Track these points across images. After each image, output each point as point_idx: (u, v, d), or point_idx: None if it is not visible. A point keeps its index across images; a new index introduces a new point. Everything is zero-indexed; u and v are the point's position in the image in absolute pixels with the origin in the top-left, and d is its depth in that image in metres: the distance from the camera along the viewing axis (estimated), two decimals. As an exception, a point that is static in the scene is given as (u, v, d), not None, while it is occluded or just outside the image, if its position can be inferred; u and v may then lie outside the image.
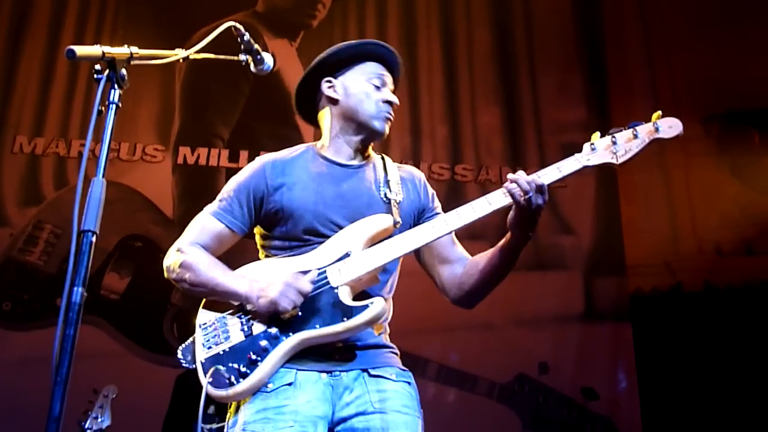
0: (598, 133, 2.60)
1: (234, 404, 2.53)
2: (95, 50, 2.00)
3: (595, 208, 7.21)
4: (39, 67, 7.15)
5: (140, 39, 7.12)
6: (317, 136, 2.92)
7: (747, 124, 7.52)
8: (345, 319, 2.44)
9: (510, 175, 2.54)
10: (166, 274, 2.67)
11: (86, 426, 4.45)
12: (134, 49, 2.07)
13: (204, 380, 2.44)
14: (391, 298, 2.77)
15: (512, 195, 2.51)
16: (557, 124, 7.65)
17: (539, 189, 2.49)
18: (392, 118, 2.78)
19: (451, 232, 2.70)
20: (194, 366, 2.52)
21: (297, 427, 2.40)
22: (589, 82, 7.84)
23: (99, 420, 4.50)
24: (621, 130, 2.57)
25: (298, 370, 2.49)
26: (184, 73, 7.20)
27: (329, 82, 2.80)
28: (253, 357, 2.44)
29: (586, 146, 2.58)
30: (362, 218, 2.65)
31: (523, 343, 6.77)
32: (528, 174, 2.54)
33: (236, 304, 2.57)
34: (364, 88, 2.75)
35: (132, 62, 2.07)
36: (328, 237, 2.62)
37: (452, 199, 7.07)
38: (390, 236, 2.64)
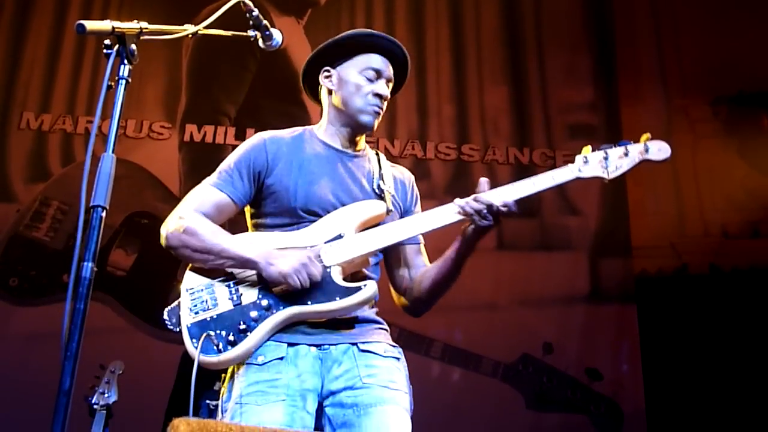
0: (589, 147, 2.68)
1: (228, 377, 2.56)
2: (105, 25, 1.99)
3: (602, 189, 7.17)
4: (46, 43, 7.14)
5: (147, 14, 7.10)
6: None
7: (756, 106, 7.49)
8: (338, 298, 2.49)
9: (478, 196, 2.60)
10: (163, 242, 2.64)
11: (93, 401, 4.46)
12: (144, 25, 2.07)
13: (189, 344, 2.48)
14: (377, 280, 2.79)
15: (464, 212, 2.58)
16: (564, 105, 7.63)
17: (489, 210, 2.56)
18: (381, 112, 2.82)
19: (420, 241, 2.86)
20: (179, 329, 2.54)
21: (288, 401, 2.43)
22: (597, 62, 7.80)
23: (106, 395, 4.51)
24: (612, 147, 2.66)
25: (288, 344, 2.52)
26: (191, 50, 7.18)
27: (327, 71, 2.85)
28: (242, 326, 2.47)
29: (579, 158, 2.67)
30: (354, 201, 2.71)
31: (527, 323, 6.78)
32: (524, 179, 2.66)
33: (224, 273, 2.59)
34: (356, 81, 2.78)
35: (141, 37, 2.07)
36: (319, 217, 2.66)
37: (459, 179, 7.07)
38: (381, 223, 2.70)
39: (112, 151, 1.95)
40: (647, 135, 2.66)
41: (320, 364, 2.53)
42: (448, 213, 2.61)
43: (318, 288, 2.50)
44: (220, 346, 2.45)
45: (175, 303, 2.60)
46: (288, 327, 2.53)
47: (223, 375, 2.60)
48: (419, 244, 2.87)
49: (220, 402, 2.57)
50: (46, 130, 6.83)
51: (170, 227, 2.62)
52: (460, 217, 2.59)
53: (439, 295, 2.80)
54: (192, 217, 2.61)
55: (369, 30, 2.89)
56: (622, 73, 7.75)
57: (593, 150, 2.67)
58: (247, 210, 2.81)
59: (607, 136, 7.20)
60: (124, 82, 2.02)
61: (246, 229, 2.82)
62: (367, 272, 2.72)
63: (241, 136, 6.83)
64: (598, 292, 7.01)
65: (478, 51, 7.72)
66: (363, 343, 2.60)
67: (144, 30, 2.07)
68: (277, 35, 2.56)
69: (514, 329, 6.72)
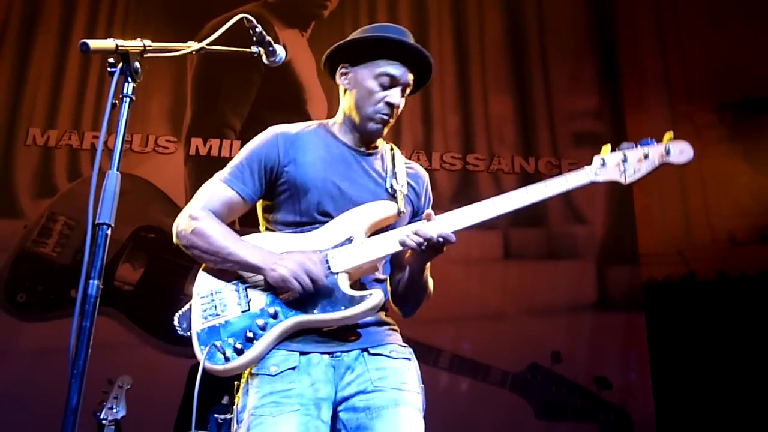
0: (608, 146, 2.56)
1: (241, 388, 2.55)
2: (109, 43, 2.00)
3: (608, 196, 7.18)
4: (51, 59, 7.18)
5: (151, 30, 7.19)
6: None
7: (760, 112, 7.48)
8: (343, 308, 2.48)
9: (420, 227, 2.52)
10: (175, 240, 2.65)
11: (101, 416, 4.47)
12: (147, 42, 2.07)
13: (198, 350, 2.49)
14: (387, 280, 2.80)
15: (403, 244, 2.52)
16: (569, 113, 7.64)
17: (428, 242, 2.49)
18: (391, 121, 2.76)
19: None
20: (189, 334, 2.54)
21: (303, 411, 2.43)
22: (602, 70, 7.81)
23: (114, 410, 4.52)
24: (632, 147, 2.53)
25: (300, 353, 2.51)
26: (195, 64, 7.21)
27: (345, 69, 2.79)
28: (250, 334, 2.47)
29: (596, 160, 2.55)
30: (366, 201, 2.67)
31: (535, 332, 6.77)
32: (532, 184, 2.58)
33: (236, 276, 2.59)
34: (370, 86, 2.71)
35: (145, 55, 2.07)
36: (331, 217, 2.64)
37: (464, 188, 7.07)
38: (393, 225, 2.67)
39: (117, 169, 1.96)
40: (670, 134, 2.52)
41: (333, 371, 2.53)
42: (392, 242, 2.56)
43: (324, 296, 2.49)
44: (227, 354, 2.45)
45: (186, 307, 2.60)
46: (299, 335, 2.52)
47: (236, 383, 2.60)
48: None
49: (234, 413, 2.57)
50: (53, 146, 6.86)
51: (181, 226, 2.63)
52: (400, 247, 2.55)
53: (415, 303, 2.78)
54: (201, 217, 2.61)
55: (390, 33, 2.77)
56: (627, 80, 7.76)
57: (612, 150, 2.55)
58: (259, 205, 2.78)
59: (612, 143, 7.17)
60: (128, 99, 2.02)
61: (257, 221, 2.82)
62: (379, 273, 2.70)
63: (247, 147, 6.84)
64: (606, 300, 7.01)
65: (482, 61, 7.74)
66: (373, 347, 2.59)
67: (147, 48, 2.07)
68: (280, 51, 2.56)
69: (522, 339, 6.71)
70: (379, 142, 2.86)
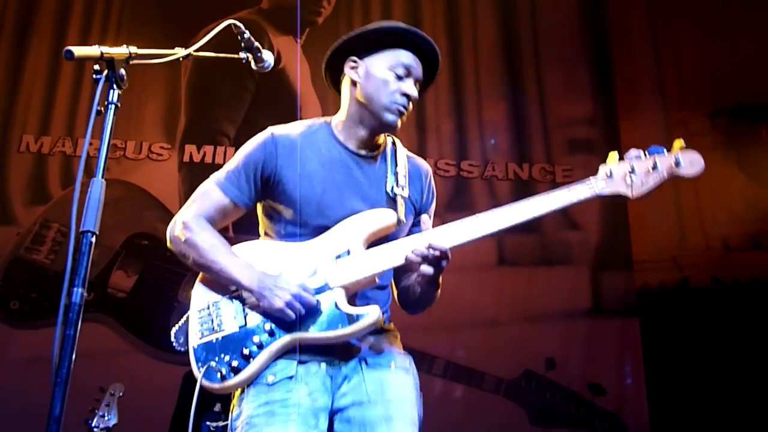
0: (615, 154, 2.47)
1: (236, 397, 2.53)
2: (93, 50, 1.99)
3: (602, 203, 7.15)
4: (45, 65, 7.17)
5: (145, 37, 7.19)
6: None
7: (754, 118, 7.49)
8: (340, 326, 2.44)
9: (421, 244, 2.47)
10: (168, 244, 2.64)
11: (93, 424, 4.45)
12: (133, 49, 2.06)
13: (195, 366, 2.48)
14: (390, 285, 2.77)
15: (408, 260, 2.46)
16: (563, 119, 7.63)
17: (435, 258, 2.43)
18: (407, 112, 2.68)
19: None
20: (185, 349, 2.53)
21: (299, 420, 2.40)
22: (595, 76, 7.81)
23: (106, 418, 4.50)
24: (640, 156, 2.42)
25: (299, 362, 2.49)
26: (190, 71, 7.20)
27: (354, 62, 2.70)
28: (246, 351, 2.45)
29: (603, 170, 2.45)
30: (365, 211, 2.62)
31: (530, 338, 6.75)
32: (546, 190, 2.51)
33: (233, 289, 2.56)
34: (385, 76, 2.63)
35: (131, 62, 2.07)
36: (328, 226, 2.59)
37: (458, 195, 7.07)
38: (394, 233, 2.62)
39: (102, 176, 1.95)
40: (680, 142, 2.40)
41: (330, 381, 2.51)
42: (393, 255, 2.52)
43: (321, 314, 2.46)
44: (224, 372, 2.44)
45: (183, 320, 2.59)
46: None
47: (232, 391, 2.56)
48: None
49: (229, 420, 2.54)
50: (46, 153, 6.84)
51: (175, 232, 2.61)
52: (401, 262, 2.49)
53: (421, 309, 2.74)
54: (194, 227, 2.58)
55: (402, 24, 2.73)
56: (620, 86, 7.76)
57: (620, 159, 2.45)
58: (259, 206, 2.74)
59: (606, 150, 7.14)
60: (113, 106, 2.01)
61: (253, 226, 2.80)
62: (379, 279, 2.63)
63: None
64: (600, 306, 7.00)
65: (476, 67, 7.74)
66: (372, 357, 2.57)
67: (133, 54, 2.06)
68: (268, 57, 2.54)
69: (516, 345, 6.70)
70: (382, 138, 2.79)
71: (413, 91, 2.66)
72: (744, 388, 6.55)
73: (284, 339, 2.46)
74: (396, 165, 2.76)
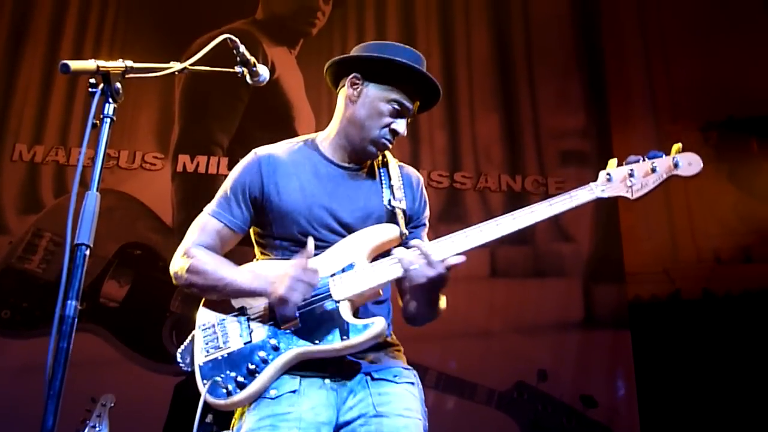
0: (614, 161, 2.51)
1: (239, 410, 2.53)
2: (89, 64, 2.00)
3: (594, 215, 7.19)
4: (38, 74, 7.16)
5: (140, 47, 7.19)
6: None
7: (745, 131, 7.52)
8: (344, 338, 2.44)
9: (413, 242, 2.50)
10: (174, 281, 2.65)
11: (84, 435, 4.44)
12: (129, 63, 2.07)
13: (200, 384, 2.47)
14: (390, 299, 2.77)
15: (401, 263, 2.47)
16: (556, 131, 7.65)
17: (429, 263, 2.44)
18: (391, 146, 2.72)
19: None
20: (191, 369, 2.53)
21: None
22: (588, 89, 7.83)
23: (97, 429, 4.48)
24: (639, 160, 2.47)
25: (302, 376, 2.50)
26: (183, 81, 7.20)
27: (356, 79, 2.70)
28: (251, 367, 2.45)
29: (602, 175, 2.50)
30: (362, 223, 2.64)
31: (522, 350, 6.77)
32: (538, 201, 2.51)
33: (237, 306, 2.57)
34: (381, 109, 2.65)
35: (127, 76, 2.07)
36: (324, 240, 2.60)
37: (451, 207, 7.08)
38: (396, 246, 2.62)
39: (97, 189, 1.95)
40: (678, 146, 2.46)
41: (335, 395, 2.51)
42: (396, 267, 2.52)
43: (326, 326, 2.47)
44: (230, 388, 2.44)
45: (188, 340, 2.59)
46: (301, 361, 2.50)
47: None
48: None
49: None
50: (39, 162, 6.83)
51: (176, 267, 2.63)
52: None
53: (422, 323, 2.72)
54: (194, 254, 2.60)
55: (413, 64, 2.67)
56: (613, 99, 7.79)
57: (619, 164, 2.49)
58: (252, 232, 2.76)
59: (598, 162, 7.19)
60: (108, 120, 2.02)
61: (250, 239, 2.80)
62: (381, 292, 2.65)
63: (233, 167, 6.81)
64: (592, 318, 7.01)
65: (470, 79, 7.75)
66: (377, 371, 2.58)
67: (129, 68, 2.07)
68: (263, 71, 2.55)
69: (508, 357, 6.71)
70: None
71: (403, 130, 2.69)
72: (736, 400, 6.56)
73: (290, 353, 2.47)
74: (390, 178, 2.78)
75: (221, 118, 7.18)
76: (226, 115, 7.18)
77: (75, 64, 1.97)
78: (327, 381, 2.52)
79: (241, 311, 2.57)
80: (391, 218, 2.69)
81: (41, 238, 6.54)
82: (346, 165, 2.74)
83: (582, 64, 7.95)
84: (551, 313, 6.97)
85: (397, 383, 2.59)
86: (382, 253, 2.62)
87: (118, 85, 2.03)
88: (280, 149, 2.77)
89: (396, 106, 2.66)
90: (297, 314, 2.48)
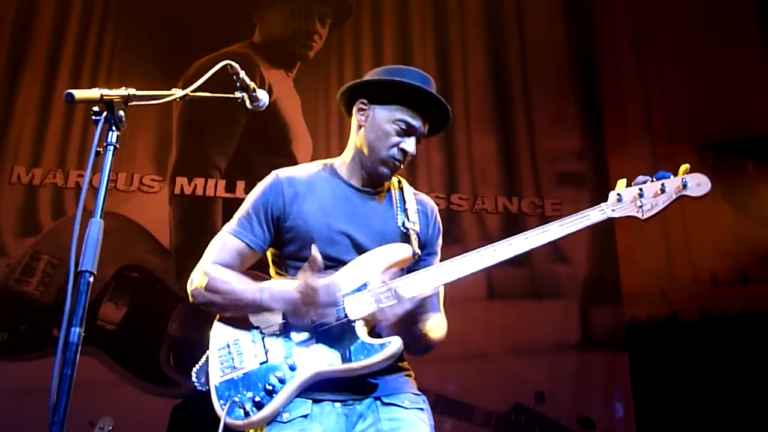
0: (623, 181, 2.55)
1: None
2: (93, 93, 2.02)
3: (591, 236, 7.20)
4: (37, 97, 7.17)
5: (138, 70, 7.21)
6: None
7: (741, 153, 7.56)
8: (362, 357, 2.45)
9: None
10: (191, 299, 2.65)
11: (82, 459, 4.43)
12: (132, 91, 2.09)
13: (217, 405, 2.46)
14: None
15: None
16: (552, 153, 7.68)
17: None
18: (402, 167, 2.75)
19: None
20: (207, 389, 2.52)
21: None
22: (584, 110, 7.86)
23: (95, 452, 4.48)
24: (647, 181, 2.51)
25: (313, 401, 2.50)
26: (181, 104, 7.21)
27: (363, 105, 2.77)
28: (269, 387, 2.45)
29: (612, 195, 2.54)
30: (377, 244, 2.66)
31: (519, 372, 6.76)
32: (553, 220, 2.55)
33: (253, 325, 2.57)
34: (387, 129, 2.70)
35: (130, 103, 2.09)
36: (341, 260, 2.62)
37: (448, 229, 7.08)
38: (409, 267, 2.65)
39: (101, 216, 1.97)
40: (686, 167, 2.49)
41: (345, 420, 2.52)
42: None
43: (343, 345, 2.48)
44: (247, 408, 2.43)
45: (203, 360, 2.59)
46: (313, 383, 2.50)
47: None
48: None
49: None
50: (37, 184, 6.83)
51: (195, 284, 2.63)
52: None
53: (419, 352, 2.72)
54: (214, 272, 2.61)
55: (416, 83, 2.74)
56: (609, 120, 7.82)
57: (628, 185, 2.53)
58: (268, 253, 2.78)
59: (594, 183, 7.27)
60: (112, 148, 2.04)
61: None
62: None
63: (231, 189, 6.85)
64: (589, 340, 7.01)
65: (466, 100, 7.78)
66: (387, 395, 2.58)
67: (132, 96, 2.09)
68: (263, 96, 2.58)
69: (505, 378, 6.70)
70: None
71: (412, 149, 2.73)
72: (734, 422, 6.56)
73: (307, 372, 2.47)
74: (404, 202, 2.82)
75: (219, 140, 7.19)
76: (224, 138, 7.19)
77: (79, 94, 1.99)
78: (337, 405, 2.52)
79: (257, 329, 2.57)
80: (405, 240, 2.72)
81: (39, 260, 6.54)
82: (363, 188, 2.78)
83: (577, 85, 7.99)
84: (548, 335, 6.96)
85: (407, 408, 2.59)
86: (396, 272, 2.62)
87: (122, 113, 2.05)
88: (300, 171, 2.80)
89: (402, 126, 2.70)
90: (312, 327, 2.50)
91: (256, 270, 2.77)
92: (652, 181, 2.51)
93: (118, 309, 6.47)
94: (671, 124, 7.92)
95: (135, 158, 7.03)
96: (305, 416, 2.47)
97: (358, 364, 2.45)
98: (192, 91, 2.32)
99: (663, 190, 2.48)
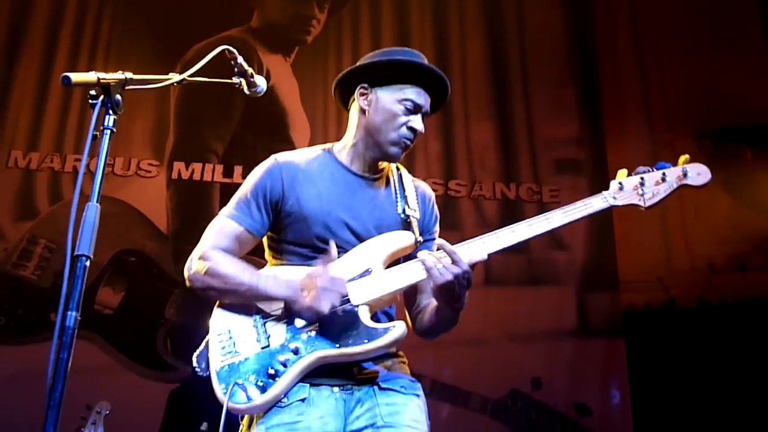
0: (624, 171, 2.57)
1: (246, 419, 2.53)
2: (90, 77, 2.00)
3: (589, 223, 7.20)
4: (34, 81, 7.16)
5: (135, 55, 7.20)
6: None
7: (739, 140, 7.55)
8: (366, 341, 2.45)
9: (437, 241, 2.50)
10: (188, 283, 2.62)
11: (79, 443, 4.44)
12: (129, 75, 2.07)
13: (218, 389, 2.45)
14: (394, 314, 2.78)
15: (424, 263, 2.46)
16: (550, 140, 7.67)
17: (453, 262, 2.43)
18: (411, 145, 2.74)
19: None
20: (208, 374, 2.51)
21: None
22: (582, 97, 7.86)
23: (92, 436, 4.49)
24: (648, 171, 2.54)
25: (311, 385, 2.49)
26: (179, 89, 7.19)
27: (364, 89, 2.75)
28: (272, 371, 2.44)
29: (614, 184, 2.56)
30: (377, 231, 2.66)
31: (516, 358, 6.77)
32: (556, 208, 2.55)
33: (254, 310, 2.56)
34: (394, 109, 2.68)
35: (127, 87, 2.08)
36: (340, 246, 2.61)
37: (446, 215, 7.08)
38: (410, 254, 2.65)
39: (97, 200, 1.96)
40: (686, 157, 2.54)
41: (343, 405, 2.52)
42: (413, 271, 2.54)
43: (345, 330, 2.47)
44: (250, 392, 2.42)
45: (203, 345, 2.57)
46: (313, 369, 2.50)
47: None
48: None
49: None
50: (34, 169, 6.83)
51: (193, 268, 2.60)
52: (422, 276, 2.50)
53: (438, 333, 2.72)
54: (213, 257, 2.58)
55: (416, 59, 2.76)
56: (607, 107, 7.81)
57: (629, 174, 2.55)
58: (265, 239, 2.76)
59: (592, 170, 7.28)
60: (109, 132, 2.03)
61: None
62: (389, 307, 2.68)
63: (228, 174, 6.84)
64: (586, 326, 7.02)
65: (464, 87, 7.77)
66: (384, 381, 2.58)
67: (129, 80, 2.08)
68: (261, 82, 2.57)
69: (502, 365, 6.71)
70: (385, 163, 2.83)
71: (420, 126, 2.71)
72: (730, 408, 6.58)
73: (310, 357, 2.46)
74: (404, 189, 2.81)
75: (216, 125, 7.18)
76: (221, 123, 7.18)
77: (76, 77, 1.98)
78: (336, 390, 2.52)
79: (257, 314, 2.56)
80: (405, 227, 2.72)
81: (36, 244, 6.54)
82: (363, 174, 2.77)
83: (576, 72, 7.98)
84: (545, 321, 6.98)
85: (404, 394, 2.60)
86: (395, 261, 2.64)
87: (119, 96, 2.04)
88: (299, 156, 2.78)
89: (408, 105, 2.69)
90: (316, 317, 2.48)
91: (255, 256, 2.77)
92: (652, 170, 2.54)
93: (115, 293, 6.48)
94: (669, 111, 7.91)
95: (132, 143, 7.03)
96: (303, 400, 2.46)
97: (363, 347, 2.45)
98: (189, 76, 2.30)
99: (664, 179, 2.52)
